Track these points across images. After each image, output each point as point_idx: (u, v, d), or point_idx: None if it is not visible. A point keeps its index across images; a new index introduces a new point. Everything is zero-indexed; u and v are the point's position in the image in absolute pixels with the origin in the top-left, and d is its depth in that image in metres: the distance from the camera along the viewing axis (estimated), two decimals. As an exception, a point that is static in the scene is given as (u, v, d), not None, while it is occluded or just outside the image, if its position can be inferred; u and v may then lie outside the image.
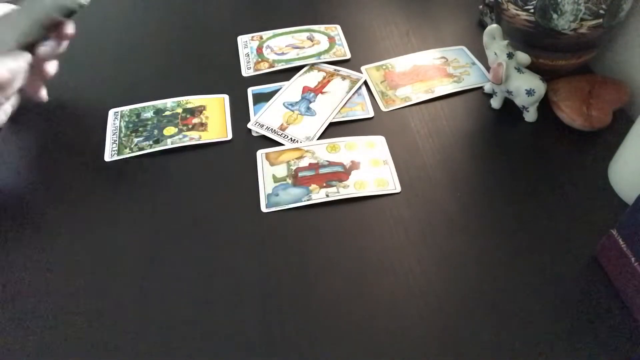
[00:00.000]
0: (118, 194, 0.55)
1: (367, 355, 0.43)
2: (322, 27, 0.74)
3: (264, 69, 0.68)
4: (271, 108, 0.63)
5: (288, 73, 0.67)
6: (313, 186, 0.54)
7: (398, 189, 0.54)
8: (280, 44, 0.71)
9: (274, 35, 0.73)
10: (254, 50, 0.71)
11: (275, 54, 0.70)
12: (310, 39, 0.72)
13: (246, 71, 0.68)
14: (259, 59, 0.69)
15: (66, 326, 0.45)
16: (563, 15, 0.55)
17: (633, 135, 0.51)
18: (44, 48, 0.51)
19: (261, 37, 0.73)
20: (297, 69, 0.68)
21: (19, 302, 0.46)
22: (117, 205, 0.54)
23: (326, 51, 0.70)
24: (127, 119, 0.62)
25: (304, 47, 0.71)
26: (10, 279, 0.48)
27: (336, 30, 0.74)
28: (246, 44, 0.72)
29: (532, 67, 0.58)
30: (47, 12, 0.49)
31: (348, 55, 0.70)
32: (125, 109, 0.63)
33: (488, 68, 0.60)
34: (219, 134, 0.60)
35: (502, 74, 0.56)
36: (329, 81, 0.66)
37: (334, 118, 0.61)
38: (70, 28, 0.52)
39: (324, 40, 0.72)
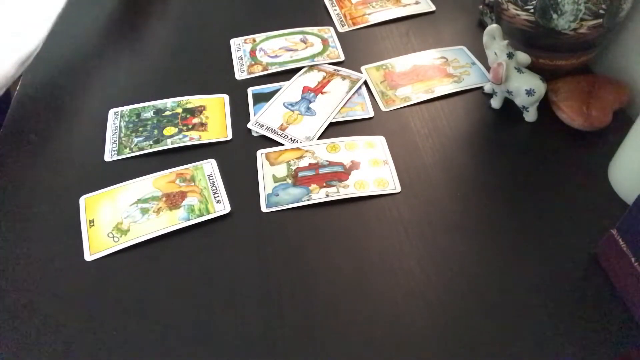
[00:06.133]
0: (118, 194, 0.55)
1: (367, 355, 0.43)
2: (315, 29, 0.73)
3: (258, 72, 0.67)
4: (271, 108, 0.63)
5: (281, 76, 0.66)
6: (313, 186, 0.54)
7: (398, 189, 0.54)
8: (274, 47, 0.71)
9: (267, 38, 0.72)
10: (247, 53, 0.70)
11: (269, 56, 0.69)
12: (304, 41, 0.71)
13: (240, 74, 0.67)
14: (252, 62, 0.69)
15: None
16: (563, 15, 0.55)
17: (633, 135, 0.51)
18: None
19: (254, 40, 0.72)
20: (291, 71, 0.67)
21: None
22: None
23: (320, 53, 0.69)
24: (127, 119, 0.62)
25: (297, 50, 0.70)
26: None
27: (329, 32, 0.73)
28: (239, 46, 0.71)
29: (532, 67, 0.58)
30: None
31: (342, 57, 0.69)
32: (125, 109, 0.63)
33: (488, 68, 0.60)
34: (219, 134, 0.60)
35: (502, 74, 0.56)
36: (329, 81, 0.66)
37: (334, 118, 0.61)
38: None
39: (317, 42, 0.71)
